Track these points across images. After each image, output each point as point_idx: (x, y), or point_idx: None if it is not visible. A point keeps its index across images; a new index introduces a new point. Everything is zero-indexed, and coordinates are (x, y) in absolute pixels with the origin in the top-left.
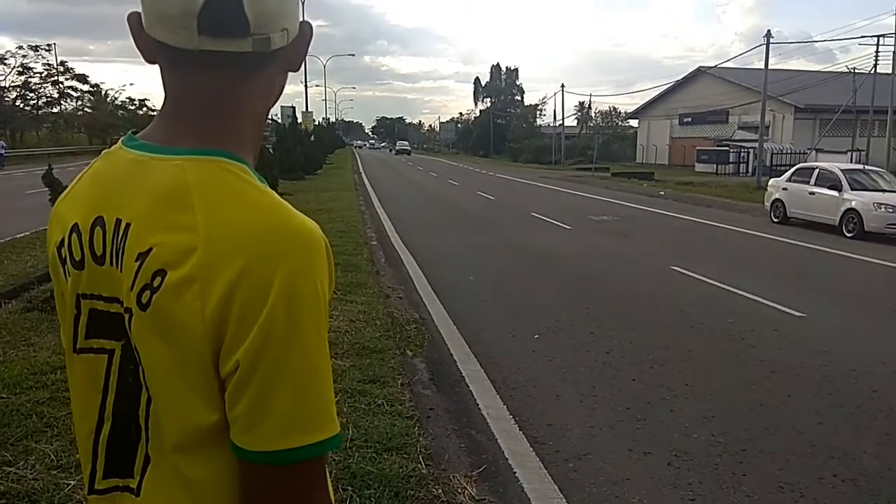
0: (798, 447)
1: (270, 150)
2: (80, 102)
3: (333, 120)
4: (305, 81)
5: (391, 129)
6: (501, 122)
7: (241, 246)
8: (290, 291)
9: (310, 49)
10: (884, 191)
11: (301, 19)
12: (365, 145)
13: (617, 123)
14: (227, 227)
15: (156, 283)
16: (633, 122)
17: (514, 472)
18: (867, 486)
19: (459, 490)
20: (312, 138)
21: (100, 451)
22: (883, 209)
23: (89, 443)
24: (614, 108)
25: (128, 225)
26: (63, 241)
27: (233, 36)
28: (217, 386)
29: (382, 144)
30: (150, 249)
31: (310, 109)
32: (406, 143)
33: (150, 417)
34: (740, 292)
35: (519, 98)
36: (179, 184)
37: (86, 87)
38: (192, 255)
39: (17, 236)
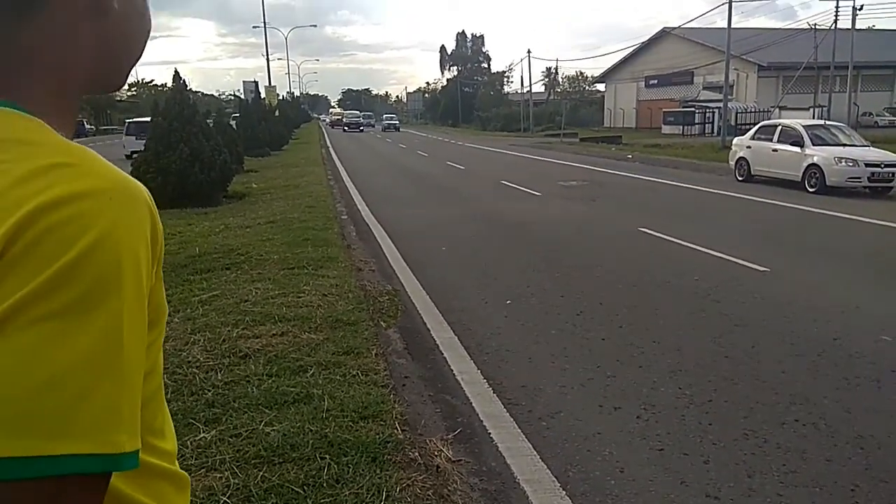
0: (761, 396)
1: (234, 127)
2: None
3: (298, 94)
4: (267, 55)
5: (357, 100)
6: (469, 91)
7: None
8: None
9: (268, 21)
10: (844, 145)
11: None
12: (342, 125)
13: (584, 88)
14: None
15: None
16: (601, 87)
17: (489, 433)
18: (827, 428)
19: (436, 453)
20: (277, 113)
21: None
22: (843, 163)
23: None
24: (581, 73)
25: None
26: None
27: None
28: None
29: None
30: None
31: (273, 84)
32: (394, 116)
33: None
34: (706, 250)
35: (486, 65)
36: None
37: None
38: None
39: None
